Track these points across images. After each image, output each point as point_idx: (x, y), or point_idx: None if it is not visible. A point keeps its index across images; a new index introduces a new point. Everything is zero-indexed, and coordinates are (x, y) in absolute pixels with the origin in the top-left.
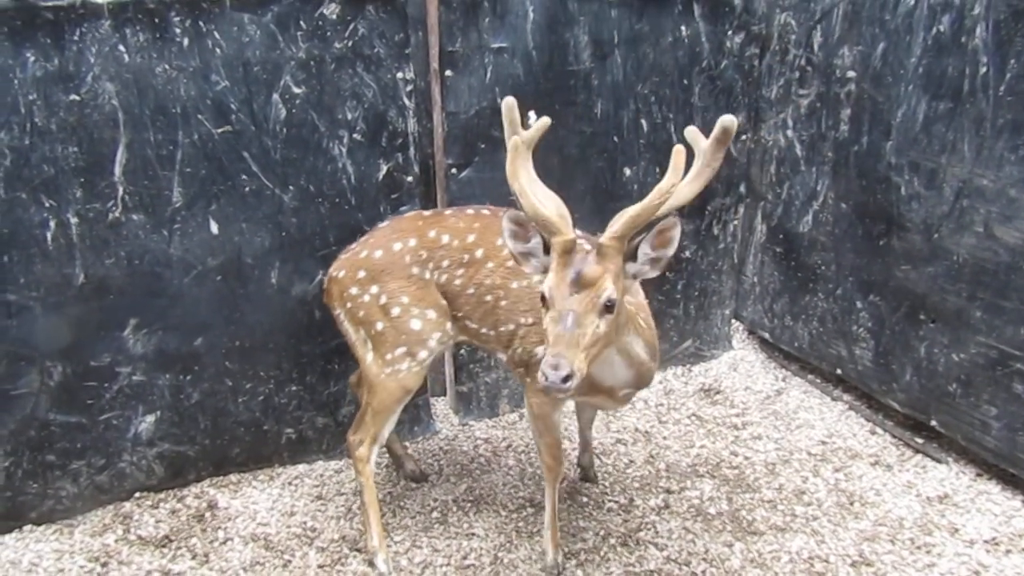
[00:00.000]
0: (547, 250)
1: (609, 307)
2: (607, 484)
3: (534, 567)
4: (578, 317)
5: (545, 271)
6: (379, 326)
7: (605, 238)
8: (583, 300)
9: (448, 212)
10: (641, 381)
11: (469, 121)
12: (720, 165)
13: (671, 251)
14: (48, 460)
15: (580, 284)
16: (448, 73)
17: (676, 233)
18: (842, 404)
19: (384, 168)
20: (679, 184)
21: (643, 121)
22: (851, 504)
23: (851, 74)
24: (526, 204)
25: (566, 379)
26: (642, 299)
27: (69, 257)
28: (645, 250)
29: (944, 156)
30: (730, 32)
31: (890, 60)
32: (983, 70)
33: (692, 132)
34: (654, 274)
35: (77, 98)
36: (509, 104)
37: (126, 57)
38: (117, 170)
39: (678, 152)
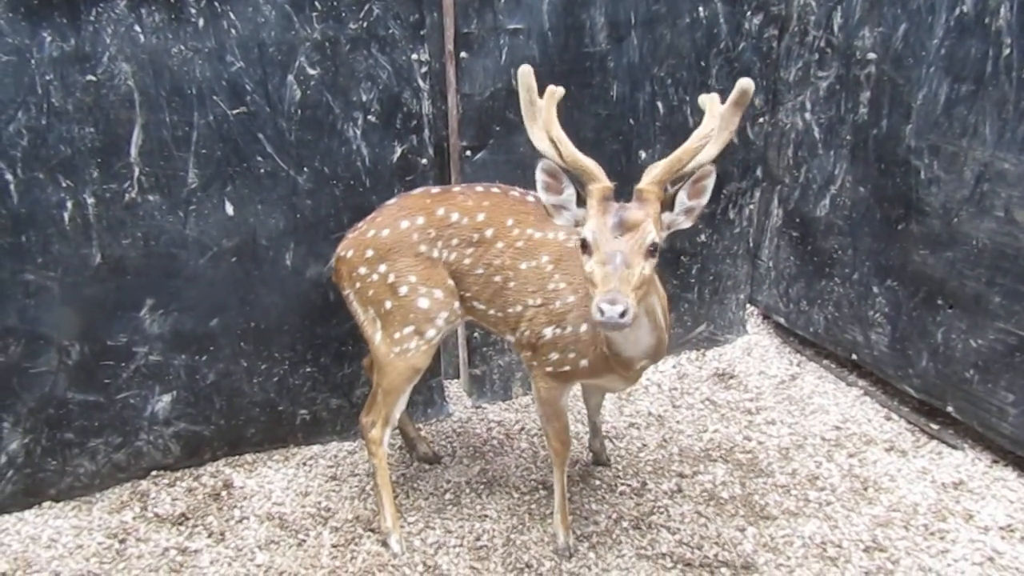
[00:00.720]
0: (579, 203)
1: (653, 251)
2: (620, 468)
3: (546, 549)
4: (626, 257)
5: (577, 224)
6: (387, 305)
7: (644, 183)
8: (629, 242)
9: (457, 190)
10: (658, 350)
11: (484, 103)
12: (736, 128)
13: (704, 200)
14: (66, 438)
15: (623, 227)
16: (463, 55)
17: (711, 182)
18: (857, 389)
19: (398, 150)
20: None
21: (659, 104)
22: (865, 490)
23: (871, 56)
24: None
25: (623, 314)
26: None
27: (86, 238)
28: (682, 199)
29: (965, 139)
30: (748, 13)
31: (911, 42)
32: (1007, 52)
33: (709, 97)
34: (687, 224)
35: (93, 79)
36: (525, 71)
37: (142, 37)
38: (133, 151)
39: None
